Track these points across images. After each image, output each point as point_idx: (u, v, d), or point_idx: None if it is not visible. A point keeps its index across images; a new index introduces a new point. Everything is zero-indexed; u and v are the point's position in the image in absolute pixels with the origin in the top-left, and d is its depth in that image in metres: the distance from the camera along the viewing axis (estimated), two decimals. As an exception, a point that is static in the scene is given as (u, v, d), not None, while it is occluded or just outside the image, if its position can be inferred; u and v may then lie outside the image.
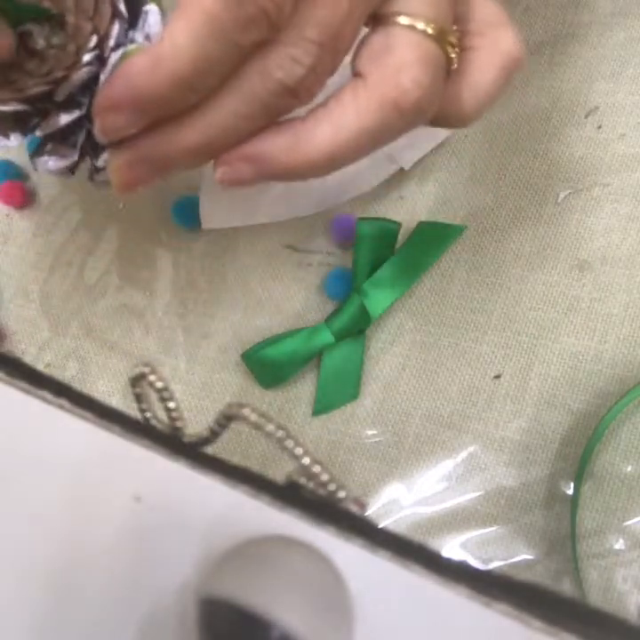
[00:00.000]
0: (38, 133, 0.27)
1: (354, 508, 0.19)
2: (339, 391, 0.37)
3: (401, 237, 0.38)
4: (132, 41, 0.27)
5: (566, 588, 0.32)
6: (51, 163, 0.29)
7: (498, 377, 0.36)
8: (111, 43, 0.26)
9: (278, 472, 0.18)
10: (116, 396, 0.40)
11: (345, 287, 0.38)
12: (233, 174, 0.26)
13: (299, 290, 0.40)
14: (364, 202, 0.40)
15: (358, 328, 0.37)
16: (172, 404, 0.20)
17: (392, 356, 0.37)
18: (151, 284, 0.41)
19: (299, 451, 0.18)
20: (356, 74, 0.26)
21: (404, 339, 0.38)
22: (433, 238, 0.38)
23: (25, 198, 0.44)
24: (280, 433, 0.18)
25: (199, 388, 0.39)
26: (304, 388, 0.38)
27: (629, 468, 0.33)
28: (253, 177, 0.26)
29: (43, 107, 0.27)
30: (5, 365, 0.21)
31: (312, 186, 0.39)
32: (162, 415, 0.21)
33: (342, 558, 0.17)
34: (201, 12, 0.22)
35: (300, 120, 0.25)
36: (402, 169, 0.40)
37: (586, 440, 0.33)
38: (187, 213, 0.41)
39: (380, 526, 0.20)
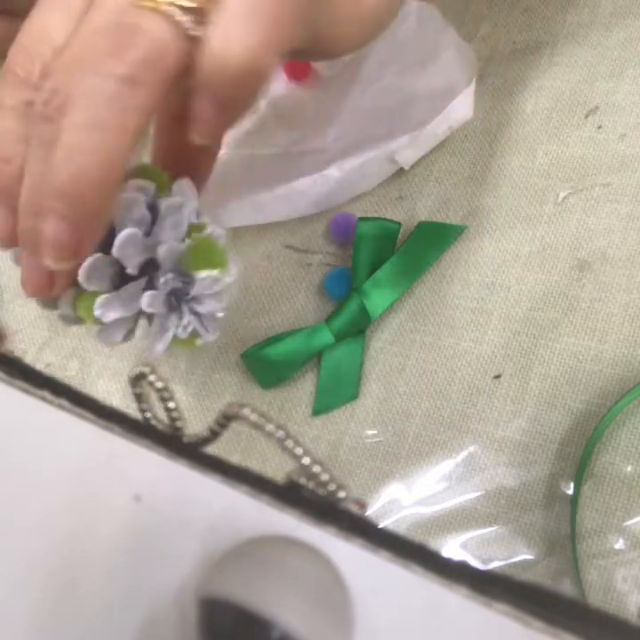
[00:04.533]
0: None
1: (354, 508, 0.19)
2: (339, 391, 0.37)
3: (401, 237, 0.38)
4: None
5: (566, 588, 0.32)
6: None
7: (498, 377, 0.36)
8: None
9: (278, 472, 0.18)
10: (116, 396, 0.40)
11: (345, 287, 0.38)
12: (207, 122, 0.25)
13: (299, 290, 0.40)
14: (364, 202, 0.40)
15: (358, 328, 0.37)
16: (171, 404, 0.20)
17: (392, 356, 0.37)
18: (151, 284, 0.41)
19: (299, 451, 0.18)
20: None
21: (404, 339, 0.38)
22: (433, 238, 0.38)
23: (25, 198, 0.44)
24: (280, 433, 0.18)
25: (199, 388, 0.39)
26: (304, 388, 0.38)
27: (629, 468, 0.33)
28: (218, 110, 0.24)
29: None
30: (5, 365, 0.21)
31: (312, 186, 0.39)
32: (162, 415, 0.21)
33: (342, 558, 0.17)
34: None
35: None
36: (402, 169, 0.40)
37: (586, 440, 0.33)
38: (187, 213, 0.41)
39: (380, 526, 0.20)
